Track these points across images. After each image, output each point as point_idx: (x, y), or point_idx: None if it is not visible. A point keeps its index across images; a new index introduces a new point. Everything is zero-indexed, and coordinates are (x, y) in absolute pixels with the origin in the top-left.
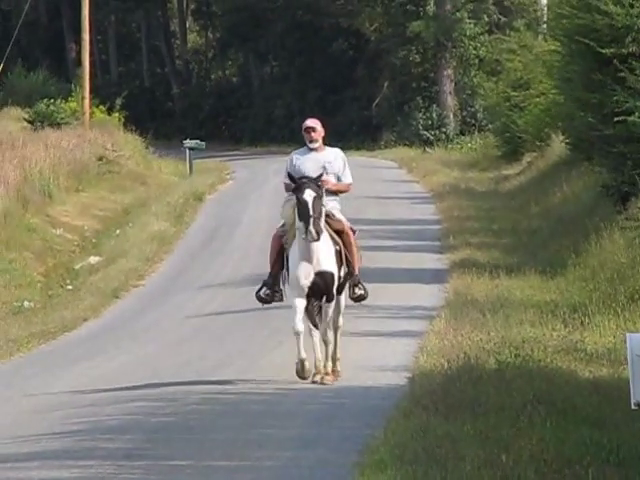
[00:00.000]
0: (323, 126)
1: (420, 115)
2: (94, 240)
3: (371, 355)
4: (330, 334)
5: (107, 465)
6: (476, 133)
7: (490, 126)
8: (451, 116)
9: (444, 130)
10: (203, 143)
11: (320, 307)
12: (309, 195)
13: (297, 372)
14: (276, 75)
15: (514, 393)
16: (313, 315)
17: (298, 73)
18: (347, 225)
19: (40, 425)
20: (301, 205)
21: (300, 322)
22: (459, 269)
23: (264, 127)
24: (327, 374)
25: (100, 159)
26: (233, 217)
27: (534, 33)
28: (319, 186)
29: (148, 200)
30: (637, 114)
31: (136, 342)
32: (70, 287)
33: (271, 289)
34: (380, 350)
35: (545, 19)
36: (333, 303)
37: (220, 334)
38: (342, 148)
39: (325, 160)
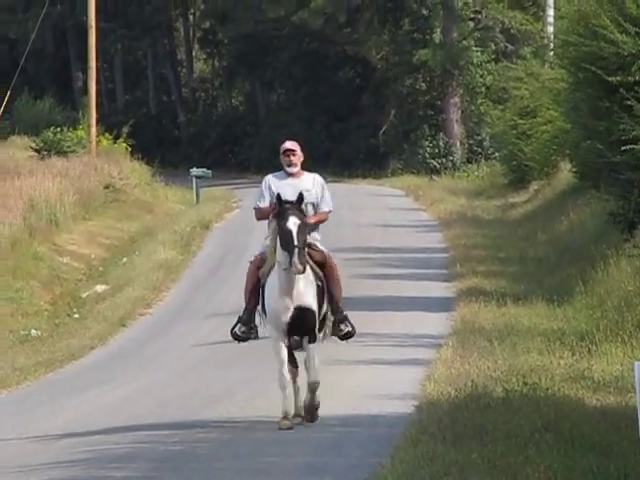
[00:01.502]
0: (328, 153)
1: (427, 143)
2: (101, 268)
3: (378, 383)
4: (315, 383)
5: None
6: (483, 161)
7: (497, 154)
8: (458, 144)
9: (451, 158)
10: (210, 171)
11: (299, 342)
12: (293, 223)
13: (281, 424)
14: (282, 103)
15: (521, 421)
16: (292, 352)
17: (304, 101)
18: (329, 256)
19: (47, 454)
20: (284, 234)
21: (288, 373)
22: (466, 297)
23: (271, 155)
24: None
25: (107, 187)
26: (240, 245)
27: (541, 61)
28: (302, 212)
29: (155, 228)
30: None
31: (143, 370)
32: (77, 315)
33: (247, 325)
34: (387, 378)
35: (552, 47)
36: (316, 345)
37: (227, 363)
38: (349, 176)
39: (304, 187)
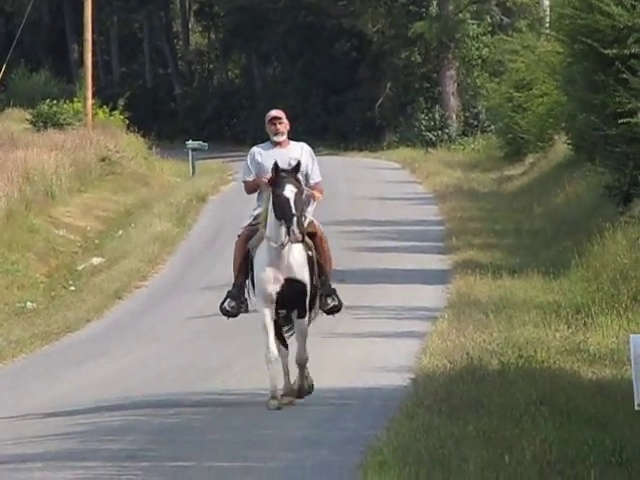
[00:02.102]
0: (325, 126)
1: (423, 116)
2: (97, 241)
3: (374, 356)
4: (302, 361)
5: (110, 466)
6: (479, 134)
7: (493, 127)
8: (454, 117)
9: (447, 131)
10: (206, 144)
11: (288, 319)
12: (290, 191)
13: (269, 404)
14: (279, 76)
15: (517, 394)
16: (281, 330)
17: (301, 74)
18: (320, 228)
19: (43, 426)
20: (281, 202)
21: (274, 346)
22: (462, 270)
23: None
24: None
25: (103, 160)
26: (236, 218)
27: (537, 34)
28: (299, 181)
29: (151, 201)
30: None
31: (139, 343)
32: (73, 288)
33: (236, 300)
34: (383, 351)
35: (547, 20)
36: (306, 320)
37: (223, 335)
38: (345, 149)
39: (291, 157)
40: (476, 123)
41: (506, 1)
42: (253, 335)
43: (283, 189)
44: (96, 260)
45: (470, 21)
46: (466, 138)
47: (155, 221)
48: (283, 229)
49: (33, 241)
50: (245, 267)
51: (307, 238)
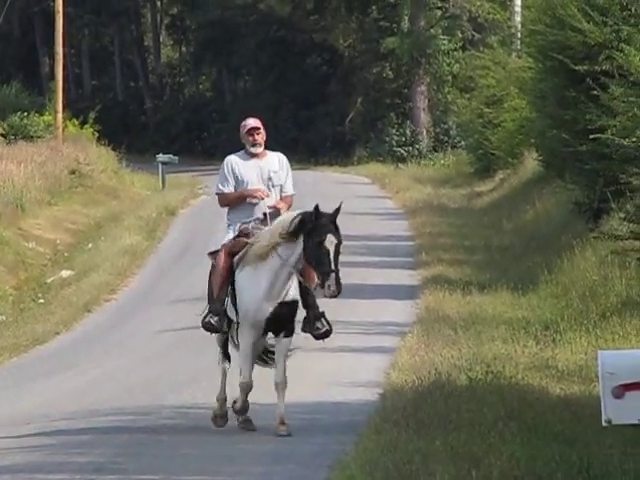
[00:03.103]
0: (295, 141)
1: (393, 131)
2: (66, 254)
3: (343, 371)
4: (282, 383)
5: (78, 479)
6: (449, 150)
7: (463, 143)
8: (424, 132)
9: (417, 146)
10: (176, 157)
11: (265, 345)
12: (330, 242)
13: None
14: (249, 90)
15: (485, 409)
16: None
17: (271, 88)
18: None
19: (11, 439)
20: (320, 254)
21: (251, 376)
22: (431, 285)
23: (237, 142)
24: (281, 423)
25: (73, 173)
26: (205, 231)
27: (508, 50)
28: (338, 230)
29: (120, 214)
30: (610, 132)
31: (108, 356)
32: (42, 301)
33: (219, 315)
34: (352, 366)
35: (519, 36)
36: (292, 338)
37: (192, 349)
38: (315, 163)
39: (270, 169)
40: (447, 139)
41: (477, 17)
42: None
43: (324, 239)
44: (65, 273)
45: (441, 37)
46: (436, 154)
47: (125, 234)
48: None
49: (2, 253)
50: (228, 282)
51: None
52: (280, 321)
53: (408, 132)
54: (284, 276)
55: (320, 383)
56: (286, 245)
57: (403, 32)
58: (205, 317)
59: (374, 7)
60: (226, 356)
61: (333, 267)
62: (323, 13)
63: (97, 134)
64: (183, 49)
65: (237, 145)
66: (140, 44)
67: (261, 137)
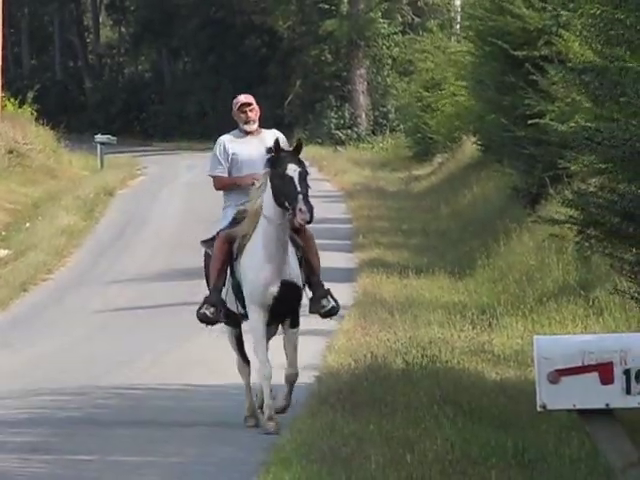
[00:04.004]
0: (234, 123)
1: (332, 114)
2: (3, 233)
3: (279, 354)
4: (293, 376)
5: (13, 459)
6: (388, 133)
7: (402, 126)
8: (363, 115)
9: (356, 129)
10: (114, 138)
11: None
12: (293, 170)
13: (267, 427)
14: (189, 71)
15: (421, 393)
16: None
17: (211, 70)
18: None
19: None
20: (284, 183)
21: (269, 360)
22: (368, 268)
23: (176, 123)
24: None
25: (11, 152)
26: (143, 212)
27: (447, 34)
28: (301, 162)
29: (58, 194)
30: (548, 117)
31: (43, 336)
32: None
33: (216, 306)
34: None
35: (458, 20)
36: (299, 329)
37: (128, 329)
38: None
39: (267, 146)
40: (385, 122)
41: (417, 1)
42: (156, 330)
43: (285, 168)
44: (2, 252)
45: (381, 20)
46: (375, 137)
47: (62, 214)
48: (287, 215)
49: None
50: (225, 271)
51: (295, 235)
52: (283, 306)
53: (347, 115)
54: (276, 239)
55: (256, 365)
56: (265, 201)
57: (342, 15)
58: (200, 308)
59: None
60: (245, 359)
61: (299, 189)
62: None
63: (36, 113)
64: (122, 29)
65: (176, 126)
66: (80, 24)
67: (254, 113)
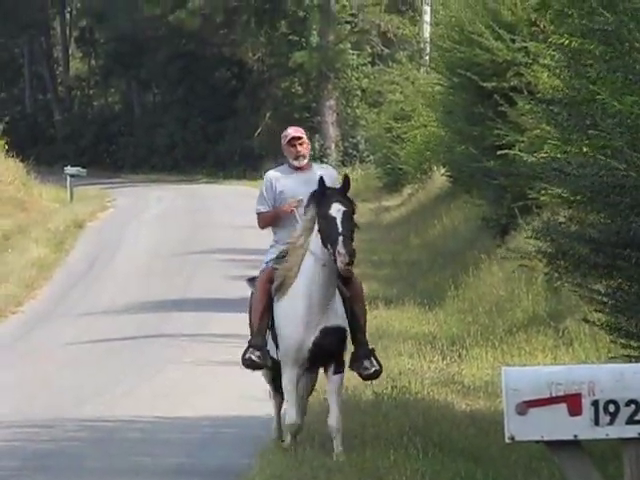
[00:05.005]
0: (204, 154)
1: None
2: None
3: (250, 385)
4: (337, 425)
5: None
6: (358, 164)
7: (372, 157)
8: (333, 147)
9: (326, 160)
10: (84, 170)
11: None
12: (337, 210)
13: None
14: (158, 103)
15: (390, 424)
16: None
17: (180, 102)
18: (354, 272)
19: None
20: (328, 223)
21: (298, 415)
22: None
23: (146, 155)
24: None
25: None
26: (113, 245)
27: (417, 65)
28: (350, 200)
29: (28, 226)
30: (517, 148)
31: (14, 368)
32: None
33: (261, 350)
34: (259, 380)
35: (427, 51)
36: (344, 375)
37: (98, 362)
38: (224, 177)
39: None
40: (355, 153)
41: (386, 32)
42: (126, 363)
43: (329, 208)
44: None
45: (350, 51)
46: (345, 168)
47: (32, 246)
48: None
49: None
50: (269, 312)
51: (340, 284)
52: (325, 353)
53: (317, 146)
54: (322, 281)
55: (227, 397)
56: (313, 239)
57: (312, 46)
58: (245, 353)
59: (283, 21)
60: (277, 390)
61: (340, 230)
62: (232, 27)
63: (5, 146)
64: (92, 62)
65: (146, 158)
66: (49, 56)
67: (304, 148)
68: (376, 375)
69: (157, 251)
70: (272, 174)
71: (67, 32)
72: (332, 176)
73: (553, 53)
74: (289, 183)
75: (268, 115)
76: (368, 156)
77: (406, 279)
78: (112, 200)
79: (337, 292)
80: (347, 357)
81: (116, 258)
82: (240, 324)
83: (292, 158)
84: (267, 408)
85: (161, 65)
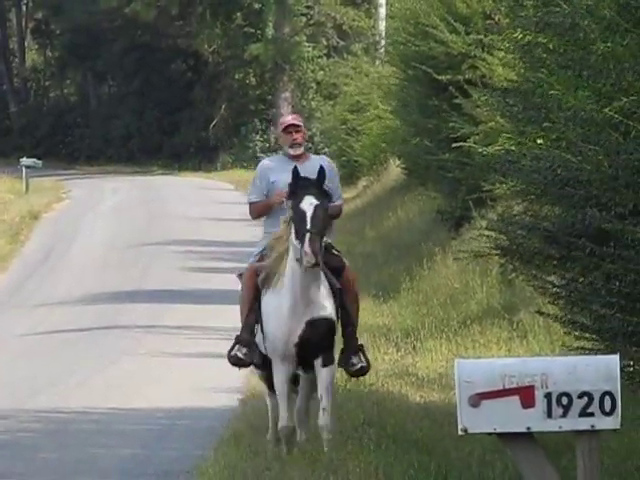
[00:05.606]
0: (159, 146)
1: (257, 137)
2: None
3: (204, 376)
4: (327, 426)
5: None
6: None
7: (327, 149)
8: None
9: (281, 153)
10: (40, 162)
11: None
12: (309, 204)
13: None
14: (114, 95)
15: (345, 416)
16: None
17: (136, 93)
18: (347, 263)
19: None
20: (297, 216)
21: (288, 417)
22: None
23: (101, 146)
24: None
25: None
26: (69, 236)
27: (371, 58)
28: (325, 193)
29: None
30: (472, 140)
31: None
32: None
33: (249, 347)
34: (214, 371)
35: (383, 44)
36: (334, 368)
37: (52, 353)
38: (179, 169)
39: (312, 173)
40: (310, 145)
41: (342, 24)
42: (80, 354)
43: (301, 200)
44: None
45: (306, 44)
46: None
47: None
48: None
49: None
50: (256, 306)
51: (331, 275)
52: (313, 346)
53: (272, 138)
54: (302, 274)
55: (181, 388)
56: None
57: (267, 39)
58: (231, 349)
59: (239, 13)
60: (271, 389)
61: (308, 227)
62: (188, 19)
63: None
64: (48, 53)
65: (101, 149)
66: (5, 48)
67: (301, 136)
68: (363, 372)
69: (113, 242)
70: (265, 163)
71: (23, 24)
72: (330, 167)
73: (507, 46)
74: (281, 173)
75: (223, 107)
76: (323, 148)
77: (361, 271)
78: (68, 191)
79: (326, 283)
80: (337, 353)
81: (72, 249)
82: (195, 316)
83: (287, 145)
84: (219, 400)
85: (117, 57)
